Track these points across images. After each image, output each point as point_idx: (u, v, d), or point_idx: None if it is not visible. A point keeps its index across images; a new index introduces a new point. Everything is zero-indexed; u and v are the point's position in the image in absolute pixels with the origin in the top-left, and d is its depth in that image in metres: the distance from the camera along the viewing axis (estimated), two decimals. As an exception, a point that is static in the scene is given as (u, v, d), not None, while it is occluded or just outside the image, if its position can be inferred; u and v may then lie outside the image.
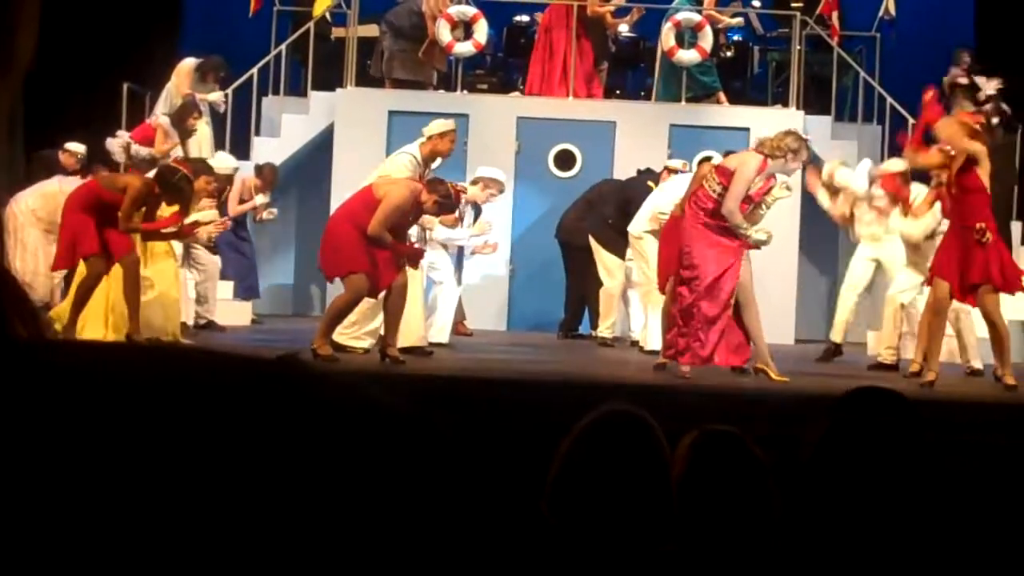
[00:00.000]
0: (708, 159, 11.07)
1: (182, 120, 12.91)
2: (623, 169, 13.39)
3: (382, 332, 9.82)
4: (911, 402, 2.98)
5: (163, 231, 9.96)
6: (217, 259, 12.33)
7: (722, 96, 14.52)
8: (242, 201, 12.88)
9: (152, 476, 0.73)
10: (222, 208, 12.37)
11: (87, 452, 0.73)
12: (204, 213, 11.08)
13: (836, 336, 11.88)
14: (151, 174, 10.22)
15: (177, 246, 11.19)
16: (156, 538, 0.72)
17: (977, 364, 10.60)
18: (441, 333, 11.24)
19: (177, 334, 10.27)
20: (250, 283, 13.41)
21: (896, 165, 11.23)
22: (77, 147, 13.18)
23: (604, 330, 12.33)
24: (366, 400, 0.78)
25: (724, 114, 13.88)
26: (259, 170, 13.17)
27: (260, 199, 13.01)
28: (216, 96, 13.80)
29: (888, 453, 2.82)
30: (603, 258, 12.28)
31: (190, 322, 11.95)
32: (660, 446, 2.82)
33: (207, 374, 0.78)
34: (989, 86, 13.45)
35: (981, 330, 10.12)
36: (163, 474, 0.73)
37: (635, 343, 12.09)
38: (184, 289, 11.61)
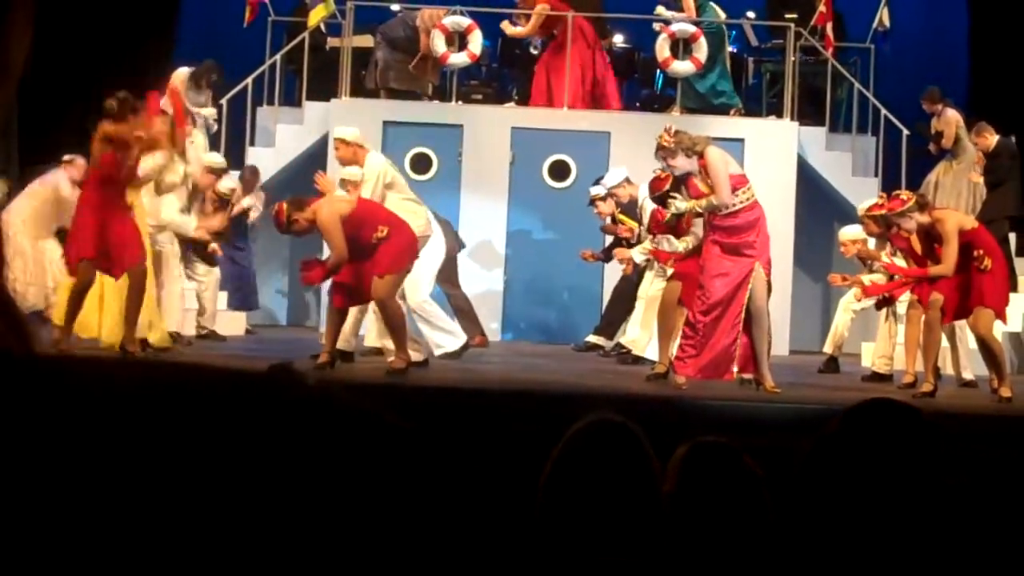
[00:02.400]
0: None
1: None
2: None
3: (378, 343, 9.81)
4: (924, 416, 2.97)
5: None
6: (216, 270, 12.36)
7: (734, 111, 14.53)
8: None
9: (142, 487, 0.73)
10: (234, 220, 12.55)
11: (77, 463, 0.73)
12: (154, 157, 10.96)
13: (828, 347, 11.94)
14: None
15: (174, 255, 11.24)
16: (143, 546, 0.72)
17: (969, 376, 10.62)
18: (451, 340, 11.08)
19: (164, 343, 10.24)
20: (244, 294, 13.41)
21: (852, 232, 11.34)
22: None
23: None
24: (355, 411, 0.77)
25: (719, 125, 13.87)
26: (242, 175, 13.35)
27: (247, 201, 13.09)
28: (210, 112, 13.81)
29: (894, 466, 2.82)
30: None
31: (191, 332, 11.96)
32: (646, 455, 2.82)
33: (196, 386, 0.77)
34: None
35: (972, 342, 10.14)
36: (152, 485, 0.73)
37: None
38: (182, 299, 11.62)
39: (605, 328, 12.77)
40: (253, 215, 13.29)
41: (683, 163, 9.31)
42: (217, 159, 12.54)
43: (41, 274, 11.64)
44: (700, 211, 9.38)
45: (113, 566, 0.74)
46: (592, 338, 12.76)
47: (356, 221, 9.41)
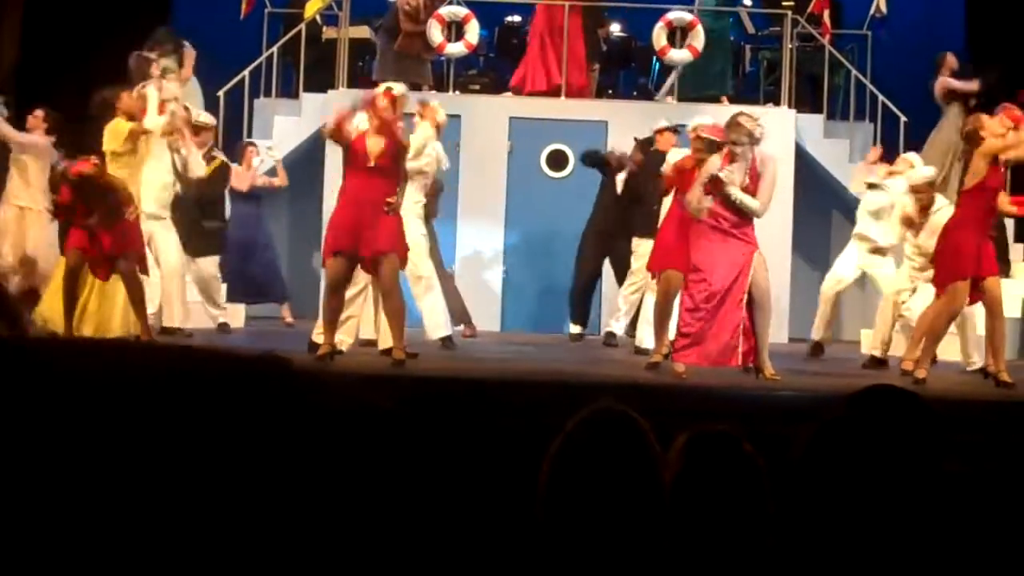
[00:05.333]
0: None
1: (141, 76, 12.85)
2: (615, 169, 13.40)
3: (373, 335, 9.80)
4: (925, 401, 2.97)
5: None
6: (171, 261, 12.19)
7: (724, 98, 14.54)
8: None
9: (136, 469, 0.73)
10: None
11: (70, 446, 0.73)
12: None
13: (815, 334, 11.88)
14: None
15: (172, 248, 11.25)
16: (140, 528, 0.72)
17: (977, 362, 10.52)
18: (438, 328, 11.00)
19: (141, 332, 10.11)
20: (243, 284, 13.31)
21: (927, 173, 11.15)
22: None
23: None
24: (350, 397, 0.77)
25: (716, 113, 13.86)
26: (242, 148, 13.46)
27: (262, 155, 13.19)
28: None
29: (895, 453, 2.81)
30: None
31: (192, 325, 11.90)
32: (648, 443, 2.82)
33: (193, 370, 0.77)
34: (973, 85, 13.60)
35: (980, 327, 10.09)
36: (146, 467, 0.73)
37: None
38: (183, 292, 11.57)
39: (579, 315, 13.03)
40: (273, 158, 13.40)
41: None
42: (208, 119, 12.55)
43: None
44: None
45: (103, 551, 0.74)
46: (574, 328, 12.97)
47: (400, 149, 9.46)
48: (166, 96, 11.10)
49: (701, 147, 9.90)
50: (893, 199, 11.33)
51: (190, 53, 13.46)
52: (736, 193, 9.14)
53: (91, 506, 0.76)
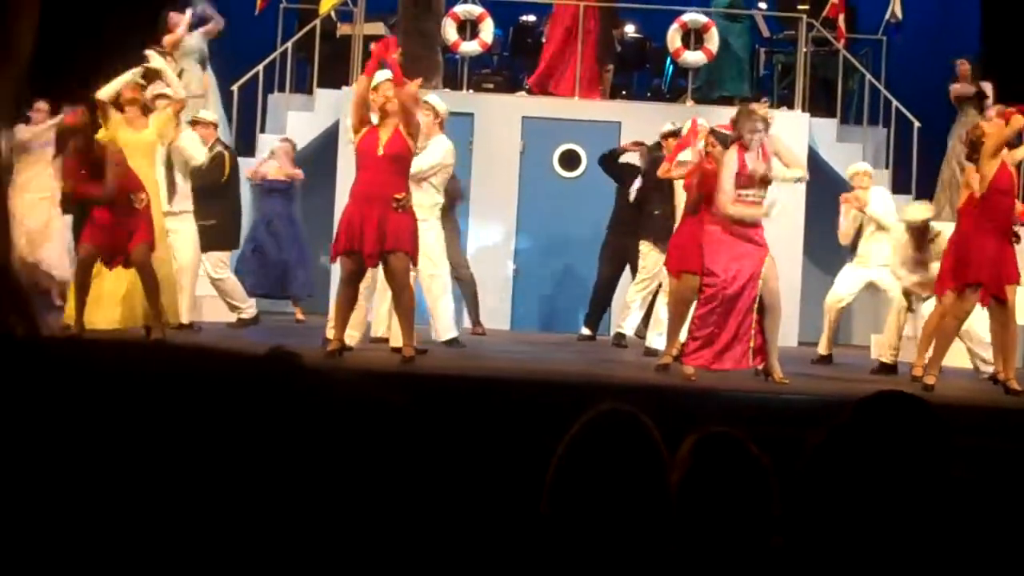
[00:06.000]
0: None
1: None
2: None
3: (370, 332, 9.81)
4: (932, 408, 2.97)
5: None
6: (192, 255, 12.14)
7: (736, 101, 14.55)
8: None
9: (146, 468, 0.73)
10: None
11: (82, 445, 0.73)
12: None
13: (822, 348, 11.85)
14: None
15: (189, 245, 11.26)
16: (150, 528, 0.72)
17: (989, 368, 10.43)
18: (447, 330, 10.99)
19: (150, 323, 10.07)
20: (265, 279, 13.27)
21: (923, 211, 11.02)
22: None
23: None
24: (358, 394, 0.77)
25: (729, 115, 13.84)
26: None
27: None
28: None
29: (902, 458, 2.81)
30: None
31: (206, 318, 11.89)
32: (655, 444, 2.82)
33: (200, 369, 0.78)
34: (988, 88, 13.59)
35: (987, 334, 10.05)
36: (157, 466, 0.73)
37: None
38: (194, 286, 11.56)
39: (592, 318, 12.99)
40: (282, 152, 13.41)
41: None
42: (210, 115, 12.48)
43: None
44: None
45: (108, 551, 0.74)
46: (584, 330, 12.90)
47: (407, 150, 9.40)
48: (153, 66, 11.15)
49: (715, 142, 9.88)
50: (868, 213, 11.41)
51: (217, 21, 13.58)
52: (776, 173, 9.19)
53: (97, 505, 0.76)
